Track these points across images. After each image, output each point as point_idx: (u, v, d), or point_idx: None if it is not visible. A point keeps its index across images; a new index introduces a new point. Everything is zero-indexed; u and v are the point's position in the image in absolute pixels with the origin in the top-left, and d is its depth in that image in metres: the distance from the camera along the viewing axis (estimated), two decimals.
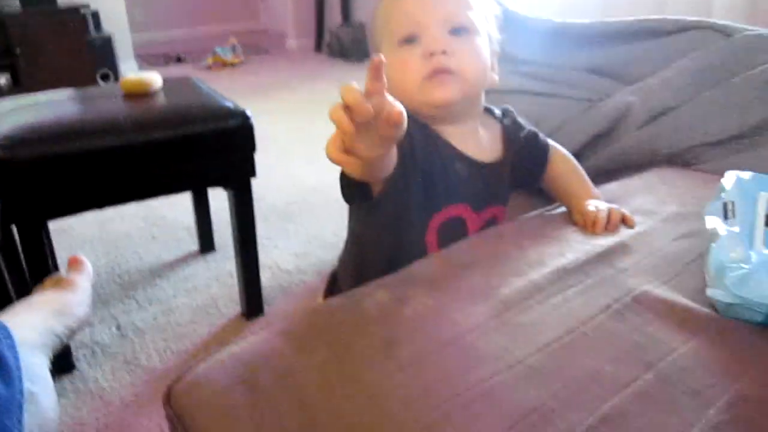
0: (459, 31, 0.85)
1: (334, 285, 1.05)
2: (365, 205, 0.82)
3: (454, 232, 0.89)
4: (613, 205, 0.89)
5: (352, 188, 0.79)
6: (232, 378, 0.64)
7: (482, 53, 0.87)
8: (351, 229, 0.97)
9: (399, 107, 0.58)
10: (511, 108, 1.01)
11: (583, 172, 1.00)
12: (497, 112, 0.98)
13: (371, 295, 0.73)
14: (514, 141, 0.96)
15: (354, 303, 0.72)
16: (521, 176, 0.97)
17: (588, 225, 0.86)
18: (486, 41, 0.89)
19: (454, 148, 0.88)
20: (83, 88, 1.59)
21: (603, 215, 0.87)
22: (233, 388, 0.62)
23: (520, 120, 0.99)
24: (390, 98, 0.58)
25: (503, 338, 0.63)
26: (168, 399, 0.65)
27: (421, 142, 0.84)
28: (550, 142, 1.01)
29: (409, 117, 0.62)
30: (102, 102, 1.45)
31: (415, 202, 0.85)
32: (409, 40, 0.84)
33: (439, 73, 0.83)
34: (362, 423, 0.56)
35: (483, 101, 0.93)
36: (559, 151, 1.01)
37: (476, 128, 0.92)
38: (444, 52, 0.82)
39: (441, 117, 0.87)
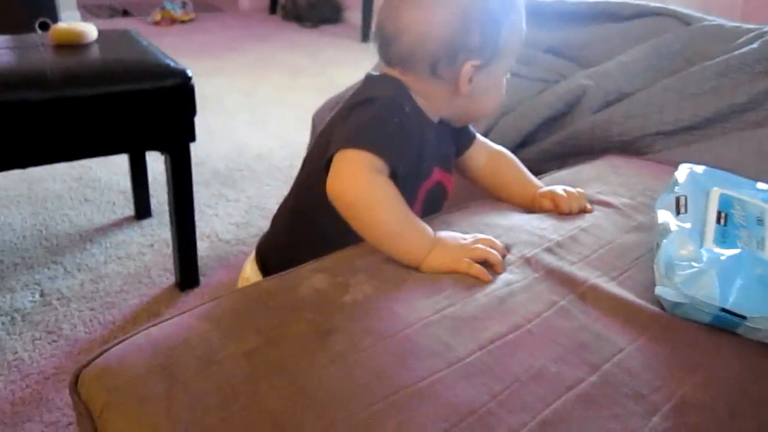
0: None
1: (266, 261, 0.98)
2: None
3: (436, 197, 0.86)
4: (579, 189, 0.87)
5: None
6: (149, 364, 0.58)
7: None
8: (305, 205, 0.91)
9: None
10: None
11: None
12: None
13: (308, 278, 0.68)
14: None
15: (289, 287, 0.67)
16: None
17: (563, 208, 0.84)
18: None
19: (425, 115, 0.82)
20: (10, 36, 1.47)
21: (576, 198, 0.86)
22: (149, 376, 0.57)
23: None
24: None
25: (445, 333, 0.59)
26: (75, 385, 0.59)
27: (417, 120, 0.80)
28: (482, 138, 0.96)
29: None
30: (29, 52, 1.34)
31: (407, 174, 0.78)
32: None
33: None
34: (288, 420, 0.51)
35: None
36: (496, 146, 0.96)
37: None
38: None
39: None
